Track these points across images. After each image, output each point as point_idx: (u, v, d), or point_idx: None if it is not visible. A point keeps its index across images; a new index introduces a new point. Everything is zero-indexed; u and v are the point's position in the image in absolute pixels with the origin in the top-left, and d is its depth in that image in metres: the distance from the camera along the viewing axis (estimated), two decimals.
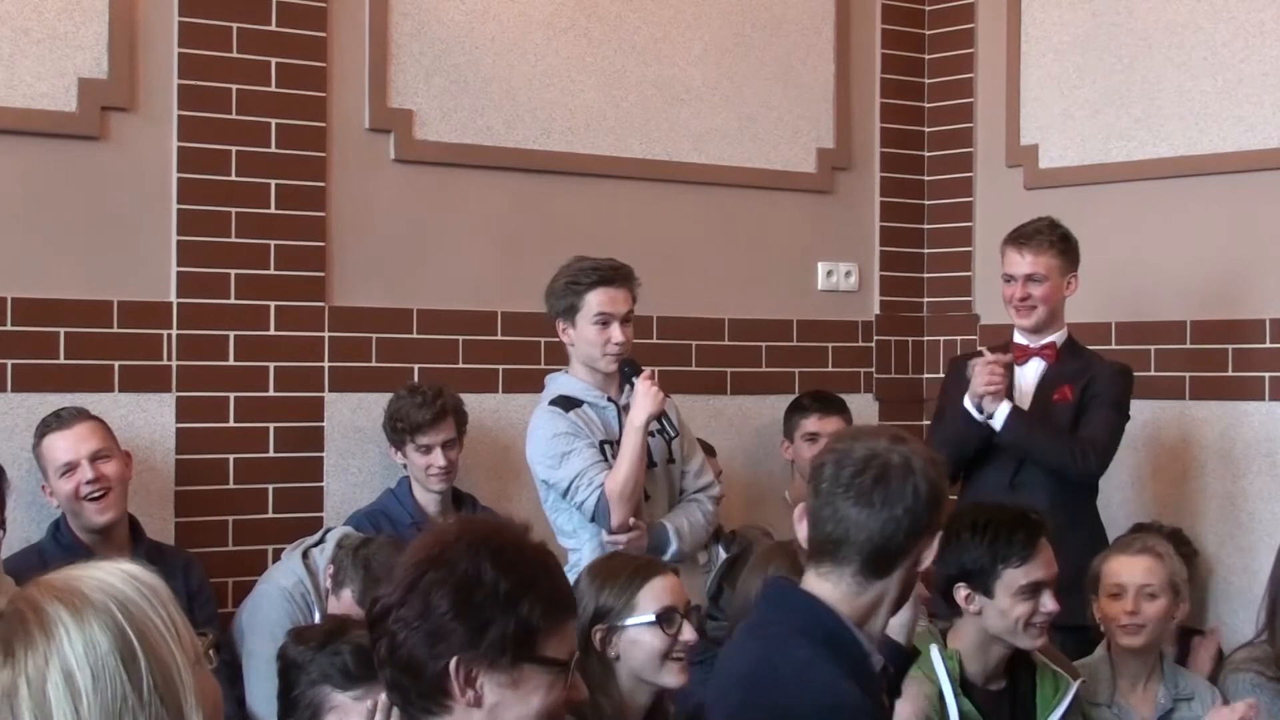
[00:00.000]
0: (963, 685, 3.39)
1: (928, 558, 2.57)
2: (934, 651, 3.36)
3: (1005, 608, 3.34)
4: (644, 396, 4.35)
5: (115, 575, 1.66)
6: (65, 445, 4.31)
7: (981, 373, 4.65)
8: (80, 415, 4.38)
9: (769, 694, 2.50)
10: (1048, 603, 3.38)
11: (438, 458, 4.73)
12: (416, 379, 5.00)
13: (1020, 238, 4.82)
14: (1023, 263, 4.79)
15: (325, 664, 3.01)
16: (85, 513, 4.27)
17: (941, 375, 5.43)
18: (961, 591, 3.38)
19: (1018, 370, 4.85)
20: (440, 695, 2.11)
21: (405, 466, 4.82)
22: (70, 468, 4.29)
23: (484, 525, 2.23)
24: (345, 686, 2.97)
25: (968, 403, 4.71)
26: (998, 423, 4.67)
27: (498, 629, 2.08)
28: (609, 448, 4.43)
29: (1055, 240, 4.79)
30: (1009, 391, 4.74)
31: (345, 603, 4.04)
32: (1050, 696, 3.50)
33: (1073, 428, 4.76)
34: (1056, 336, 4.86)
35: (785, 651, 2.51)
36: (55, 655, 1.58)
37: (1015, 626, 3.35)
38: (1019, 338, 4.89)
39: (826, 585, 2.55)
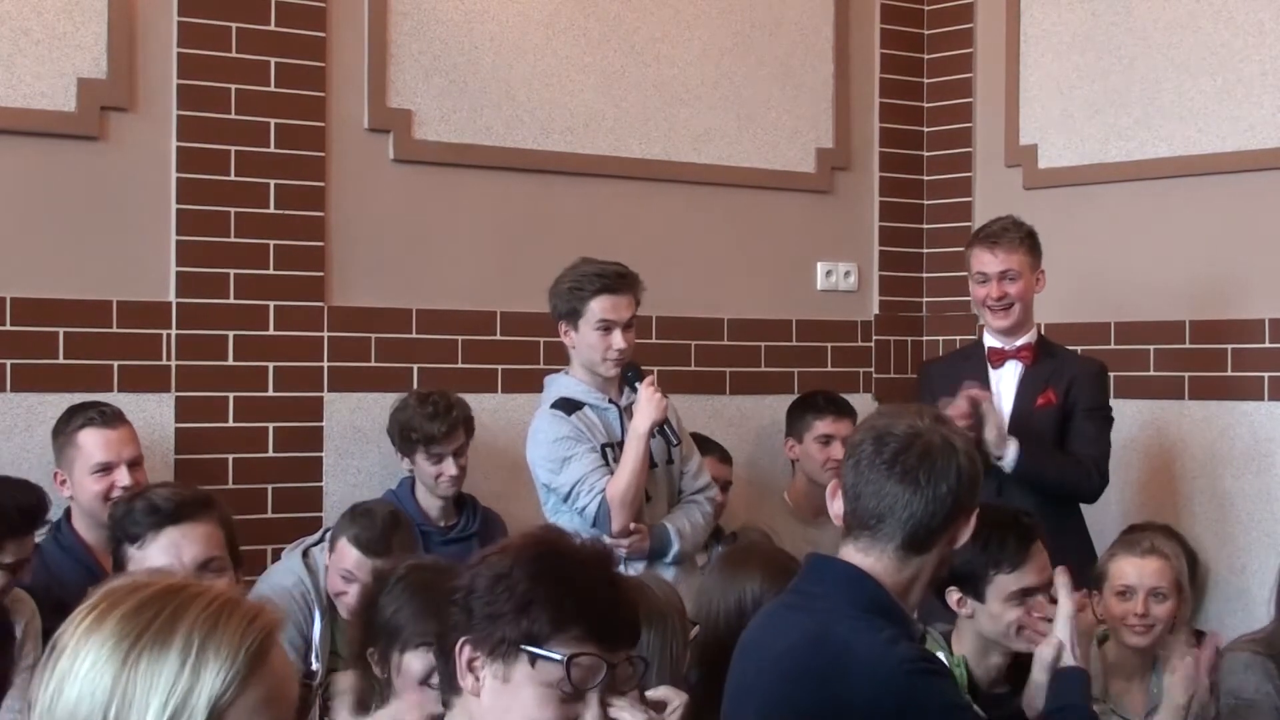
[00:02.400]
0: (970, 691, 3.36)
1: (963, 536, 2.65)
2: (940, 658, 3.34)
3: (997, 613, 3.30)
4: (647, 403, 4.35)
5: (202, 618, 1.60)
6: (106, 445, 4.23)
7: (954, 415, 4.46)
8: (120, 416, 4.33)
9: (837, 663, 2.52)
10: (1042, 608, 3.36)
11: (449, 466, 4.72)
12: (416, 379, 5.00)
13: (990, 237, 4.82)
14: (995, 261, 4.78)
15: (142, 504, 3.28)
16: (107, 511, 4.24)
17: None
18: (954, 595, 3.36)
19: (995, 374, 4.83)
20: (454, 675, 2.18)
21: (412, 471, 4.81)
22: (105, 468, 4.22)
23: (555, 537, 2.29)
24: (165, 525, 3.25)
25: None
26: (1008, 464, 4.59)
27: (503, 624, 2.13)
28: (610, 451, 4.44)
29: (1023, 237, 4.81)
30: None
31: (340, 555, 4.16)
32: None
33: (1059, 431, 4.75)
34: (1029, 337, 4.86)
35: (847, 621, 2.56)
36: (69, 654, 1.60)
37: (1008, 631, 3.32)
38: (991, 340, 4.87)
39: (868, 560, 2.62)
